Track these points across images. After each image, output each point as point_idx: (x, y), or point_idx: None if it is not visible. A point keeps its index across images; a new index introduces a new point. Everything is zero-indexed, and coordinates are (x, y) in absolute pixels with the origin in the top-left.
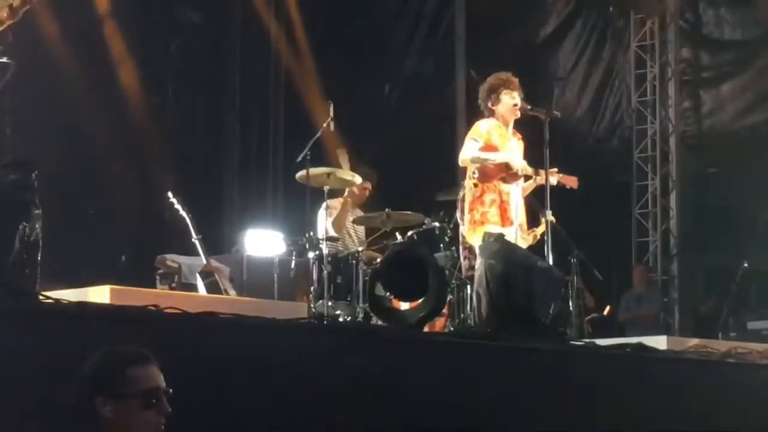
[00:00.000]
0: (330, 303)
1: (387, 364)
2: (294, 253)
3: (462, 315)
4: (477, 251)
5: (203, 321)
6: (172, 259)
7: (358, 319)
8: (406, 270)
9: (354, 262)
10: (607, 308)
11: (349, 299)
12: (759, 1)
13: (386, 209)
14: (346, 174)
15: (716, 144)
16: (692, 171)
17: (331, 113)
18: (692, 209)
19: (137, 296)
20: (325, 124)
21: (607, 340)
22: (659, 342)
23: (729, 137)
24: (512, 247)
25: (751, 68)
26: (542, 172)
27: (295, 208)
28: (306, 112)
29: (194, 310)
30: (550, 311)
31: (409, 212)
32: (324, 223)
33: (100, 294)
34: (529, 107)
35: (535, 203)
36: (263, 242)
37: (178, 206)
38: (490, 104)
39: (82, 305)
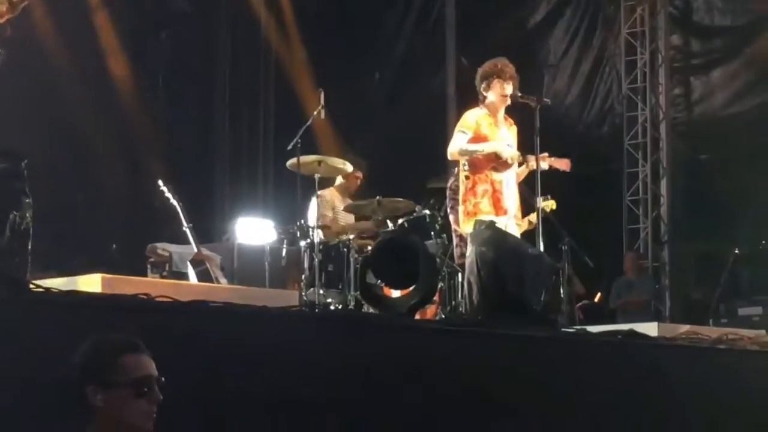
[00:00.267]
0: (321, 291)
1: (378, 352)
2: (285, 241)
3: (453, 302)
4: (468, 239)
5: (194, 309)
6: (163, 248)
7: (350, 307)
8: (397, 258)
9: (345, 250)
10: (598, 295)
11: (340, 287)
12: None
13: (377, 197)
14: (337, 161)
15: (707, 130)
16: (683, 158)
17: (322, 101)
18: (683, 196)
19: (128, 285)
20: (315, 112)
21: (598, 327)
22: (650, 329)
23: (719, 123)
24: (503, 235)
25: (741, 55)
26: (533, 157)
27: (286, 196)
28: (296, 100)
29: (185, 298)
30: (541, 298)
31: (400, 200)
32: (315, 212)
33: (91, 283)
34: (519, 95)
35: (526, 190)
36: (254, 230)
37: (168, 195)
38: (482, 89)
39: (73, 294)
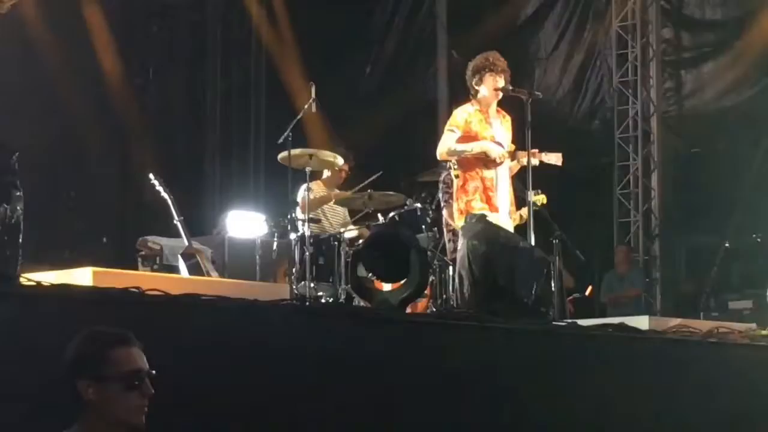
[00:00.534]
0: (312, 284)
1: (369, 345)
2: (276, 234)
3: (444, 296)
4: (460, 232)
5: (185, 303)
6: (154, 241)
7: (340, 301)
8: (388, 251)
9: (336, 243)
10: (589, 289)
11: (331, 280)
12: None
13: (368, 190)
14: (328, 155)
15: (698, 124)
16: (674, 151)
17: (313, 94)
18: (674, 189)
19: (119, 278)
20: (306, 106)
21: (589, 321)
22: (641, 322)
23: (710, 117)
24: (494, 228)
25: (732, 48)
26: (525, 153)
27: (277, 190)
28: (287, 93)
29: (176, 292)
30: (533, 292)
31: (391, 193)
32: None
33: (82, 276)
34: (510, 88)
35: (518, 185)
36: (245, 224)
37: (159, 188)
38: (474, 83)
39: (64, 288)
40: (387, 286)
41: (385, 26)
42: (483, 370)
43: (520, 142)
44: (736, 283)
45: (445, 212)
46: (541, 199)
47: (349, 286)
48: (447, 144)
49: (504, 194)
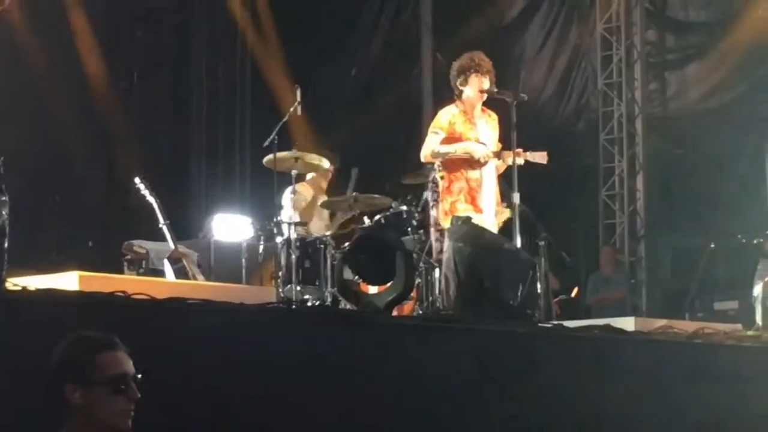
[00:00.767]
0: (298, 287)
1: (355, 348)
2: (262, 237)
3: (430, 298)
4: (446, 235)
5: (171, 307)
6: (140, 245)
7: (327, 304)
8: (374, 254)
9: (322, 246)
10: (575, 290)
11: (317, 283)
12: None
13: (353, 193)
14: (314, 158)
15: (682, 125)
16: (659, 153)
17: (298, 97)
18: (659, 191)
19: (105, 282)
20: (292, 109)
21: (575, 322)
22: (627, 323)
23: (695, 119)
24: (480, 230)
25: (716, 50)
26: (509, 153)
27: (263, 193)
28: (273, 96)
29: (162, 295)
30: (518, 293)
31: (377, 196)
32: (289, 206)
33: (68, 280)
34: (495, 90)
35: (504, 186)
36: (231, 227)
37: (145, 192)
38: (458, 83)
39: (50, 292)
40: (373, 289)
41: (370, 28)
42: (469, 372)
43: (505, 143)
44: (721, 284)
45: (433, 212)
46: (507, 213)
47: (335, 289)
48: (431, 146)
49: (490, 195)
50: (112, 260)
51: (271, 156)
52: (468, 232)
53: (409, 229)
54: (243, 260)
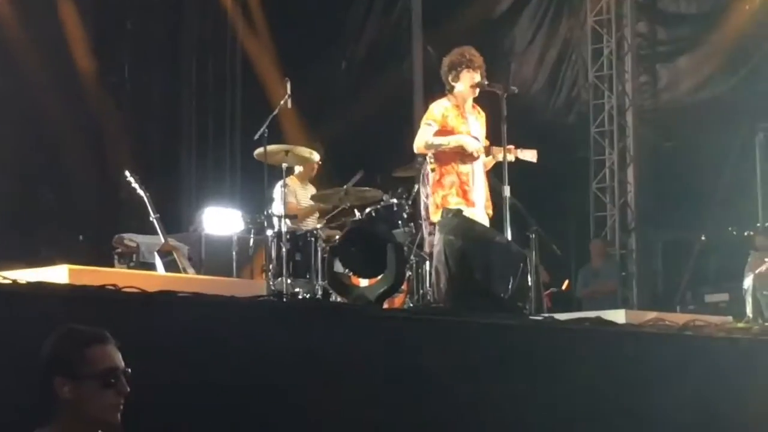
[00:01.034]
0: (289, 280)
1: (346, 341)
2: (252, 230)
3: (421, 291)
4: (437, 227)
5: (162, 300)
6: (130, 239)
7: (317, 297)
8: (364, 247)
9: (312, 239)
10: (566, 283)
11: (307, 276)
12: None
13: (344, 186)
14: (304, 151)
15: (673, 118)
16: (649, 145)
17: (289, 90)
18: (650, 183)
19: (95, 276)
20: (282, 102)
21: (565, 315)
22: (618, 316)
23: (686, 111)
24: (471, 223)
25: (706, 42)
26: (500, 149)
27: (253, 186)
28: (263, 89)
29: (153, 289)
30: (509, 286)
31: (368, 189)
32: (280, 200)
33: (58, 274)
34: (486, 83)
35: (493, 180)
36: (221, 220)
37: (135, 185)
38: (450, 79)
39: (40, 285)
40: (364, 282)
41: (361, 21)
42: (460, 364)
43: (495, 137)
44: (712, 277)
45: (425, 205)
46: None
47: (326, 282)
48: (424, 137)
49: (480, 189)
50: (102, 254)
51: (261, 149)
52: (459, 224)
53: (400, 221)
54: (233, 253)
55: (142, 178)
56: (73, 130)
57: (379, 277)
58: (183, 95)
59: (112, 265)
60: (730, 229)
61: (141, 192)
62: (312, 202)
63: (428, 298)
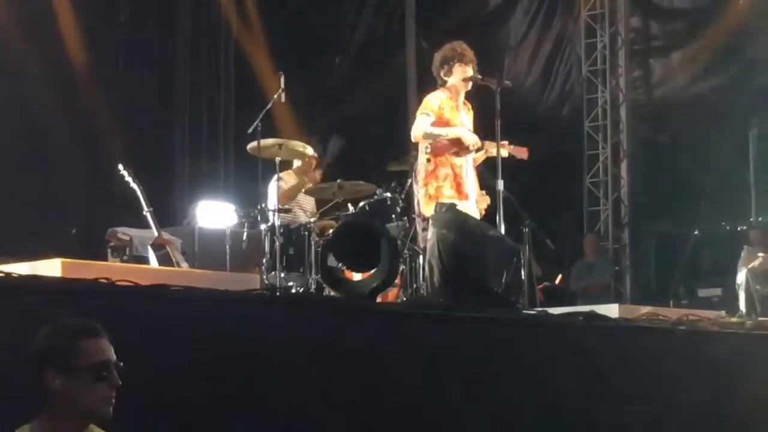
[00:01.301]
0: (282, 274)
1: (339, 335)
2: (246, 224)
3: (414, 285)
4: (430, 222)
5: (155, 294)
6: (124, 232)
7: (311, 291)
8: (358, 241)
9: (306, 233)
10: (559, 277)
11: (301, 270)
12: None
13: (338, 180)
14: (297, 145)
15: (666, 113)
16: (643, 140)
17: (282, 84)
18: (643, 178)
19: (89, 269)
20: (275, 96)
21: (559, 309)
22: (611, 310)
23: (679, 106)
24: (464, 217)
25: (700, 37)
26: (492, 143)
27: (247, 180)
28: (256, 83)
29: (146, 282)
30: (503, 280)
31: (361, 182)
32: (275, 194)
33: (51, 267)
34: (480, 77)
35: (487, 174)
36: (215, 214)
37: (128, 179)
38: (442, 74)
39: (33, 279)
40: (357, 276)
41: (354, 16)
42: (453, 359)
43: (488, 131)
44: (705, 271)
45: (416, 197)
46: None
47: (320, 276)
48: (423, 127)
49: (472, 183)
50: (95, 247)
51: (254, 143)
52: (452, 219)
53: (394, 215)
54: (227, 247)
55: (136, 171)
56: (66, 123)
57: (373, 271)
58: (176, 89)
59: (105, 259)
60: (723, 224)
61: (134, 185)
62: (312, 203)
63: (421, 292)
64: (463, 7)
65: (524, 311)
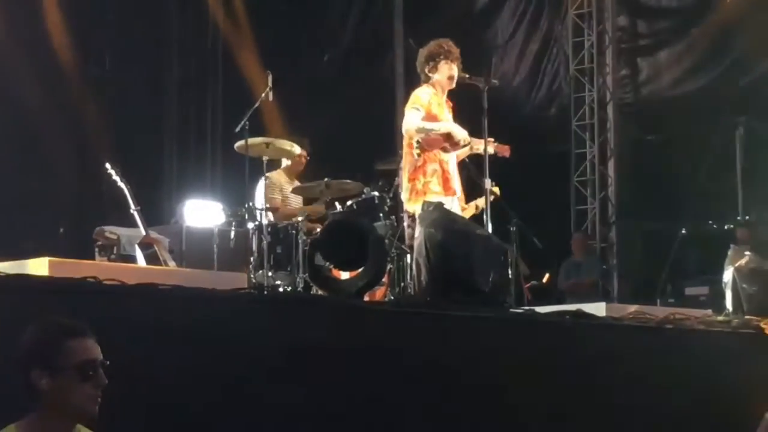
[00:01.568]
0: (270, 273)
1: (327, 334)
2: (233, 223)
3: (402, 284)
4: (417, 220)
5: (142, 292)
6: (111, 231)
7: (298, 289)
8: (345, 239)
9: (293, 232)
10: (546, 276)
11: (288, 269)
12: None
13: (325, 179)
14: (285, 143)
15: (654, 111)
16: (630, 138)
17: (270, 83)
18: (630, 176)
19: (76, 268)
20: (263, 94)
21: (546, 308)
22: (598, 309)
23: (666, 104)
24: (451, 216)
25: (687, 36)
26: (478, 140)
27: (234, 179)
28: (244, 82)
29: (133, 281)
30: (490, 279)
31: (349, 181)
32: (263, 194)
33: (38, 266)
34: (467, 76)
35: (474, 171)
36: (202, 213)
37: (116, 177)
38: (427, 70)
39: (20, 277)
40: (345, 275)
41: (343, 13)
42: (440, 357)
43: (476, 129)
44: (692, 270)
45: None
46: (494, 191)
47: (307, 274)
48: (415, 121)
49: (457, 180)
50: (83, 246)
51: (242, 142)
52: (439, 217)
53: (381, 214)
54: (214, 246)
55: (123, 170)
56: (53, 122)
57: (360, 269)
58: (164, 87)
59: (92, 258)
60: (710, 222)
61: (121, 184)
62: (299, 202)
63: (409, 290)
64: (451, 6)
65: (511, 310)
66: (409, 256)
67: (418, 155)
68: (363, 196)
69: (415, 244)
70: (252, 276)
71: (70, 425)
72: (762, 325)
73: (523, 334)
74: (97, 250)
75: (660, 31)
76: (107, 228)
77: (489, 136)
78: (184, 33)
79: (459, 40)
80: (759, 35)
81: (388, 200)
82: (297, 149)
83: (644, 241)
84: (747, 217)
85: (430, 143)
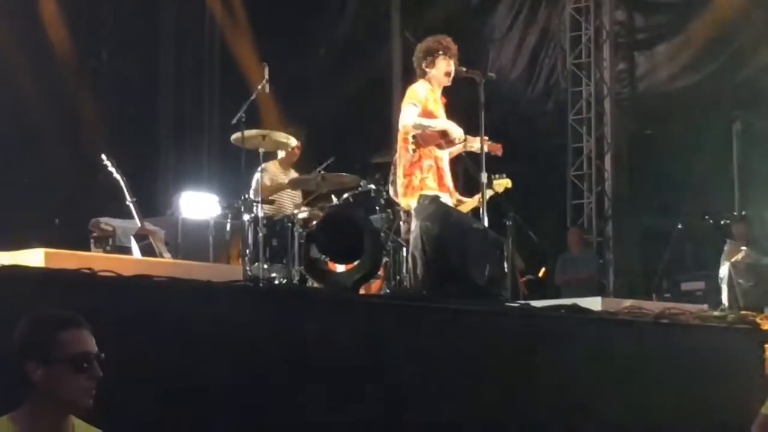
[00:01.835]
0: (265, 265)
1: (322, 327)
2: (229, 215)
3: (398, 277)
4: (413, 213)
5: (138, 284)
6: (107, 222)
7: (294, 282)
8: (341, 232)
9: (289, 224)
10: (542, 270)
11: (284, 262)
12: None
13: (321, 171)
14: (281, 136)
15: (651, 106)
16: (627, 133)
17: (266, 75)
18: (627, 171)
19: (71, 259)
20: (260, 87)
21: (542, 302)
22: (594, 303)
23: (663, 99)
24: (448, 209)
25: (684, 30)
26: (472, 138)
27: (230, 171)
28: (241, 74)
29: (129, 273)
30: (486, 273)
31: (345, 174)
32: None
33: (34, 257)
34: (464, 69)
35: (472, 166)
36: (198, 205)
37: (112, 169)
38: (424, 65)
39: (15, 269)
40: (340, 268)
41: (339, 7)
42: (436, 351)
43: (473, 124)
44: (688, 265)
45: (391, 191)
46: (504, 183)
47: (303, 267)
48: (412, 117)
49: (449, 176)
50: (78, 238)
51: (238, 134)
52: (435, 211)
53: (377, 207)
54: (210, 238)
55: (119, 161)
56: (50, 114)
57: (356, 262)
58: (161, 79)
59: (88, 249)
60: (707, 217)
61: (117, 176)
62: (298, 195)
63: (405, 284)
64: (449, 0)
65: (507, 303)
66: (404, 249)
67: (414, 151)
68: (359, 188)
69: (412, 237)
70: (248, 268)
71: (65, 417)
72: (758, 320)
73: (519, 328)
74: (92, 241)
75: (657, 25)
76: (103, 219)
77: (485, 131)
78: (181, 25)
79: (456, 33)
80: (756, 30)
81: (384, 193)
82: (293, 141)
83: (641, 236)
84: (743, 213)
85: (425, 139)
